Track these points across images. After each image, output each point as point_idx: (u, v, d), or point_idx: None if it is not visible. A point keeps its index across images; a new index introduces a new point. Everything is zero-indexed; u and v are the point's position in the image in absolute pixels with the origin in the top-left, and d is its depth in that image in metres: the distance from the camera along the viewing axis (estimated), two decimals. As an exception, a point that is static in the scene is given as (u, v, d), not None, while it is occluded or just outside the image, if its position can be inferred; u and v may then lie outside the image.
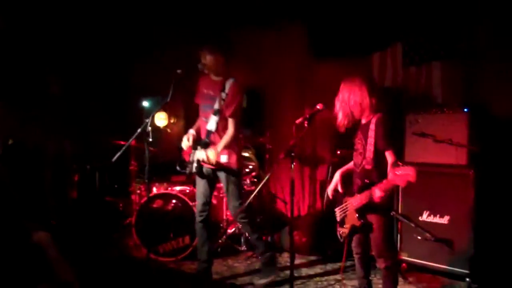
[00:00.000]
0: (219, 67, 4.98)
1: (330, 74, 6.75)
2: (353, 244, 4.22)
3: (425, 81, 6.13)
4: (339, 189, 4.30)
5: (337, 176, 4.33)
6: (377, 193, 3.74)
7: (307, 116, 4.13)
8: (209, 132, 4.99)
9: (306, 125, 4.12)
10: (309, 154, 7.17)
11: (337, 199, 4.35)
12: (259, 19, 7.19)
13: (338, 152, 6.13)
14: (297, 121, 4.17)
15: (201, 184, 5.14)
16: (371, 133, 3.95)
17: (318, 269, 5.65)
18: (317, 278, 5.32)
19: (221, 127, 4.98)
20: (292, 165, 4.09)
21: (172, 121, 7.48)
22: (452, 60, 5.88)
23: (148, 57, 8.14)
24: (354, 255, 4.26)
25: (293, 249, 4.35)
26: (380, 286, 4.30)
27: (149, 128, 4.65)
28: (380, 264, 4.01)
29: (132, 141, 4.93)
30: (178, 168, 5.14)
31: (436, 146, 4.95)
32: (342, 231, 4.20)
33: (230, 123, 4.94)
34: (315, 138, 7.06)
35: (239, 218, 5.10)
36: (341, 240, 4.25)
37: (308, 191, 7.24)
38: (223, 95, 4.92)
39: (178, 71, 4.68)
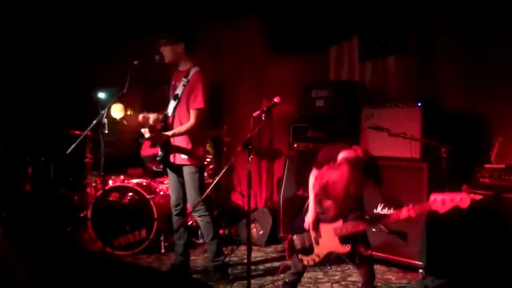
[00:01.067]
0: (178, 57, 4.88)
1: (287, 67, 6.81)
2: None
3: (380, 75, 6.23)
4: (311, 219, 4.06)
5: (312, 207, 4.07)
6: (405, 213, 3.54)
7: (265, 109, 4.13)
8: (165, 116, 4.87)
9: (263, 118, 4.12)
10: (266, 147, 7.20)
11: (295, 223, 4.26)
12: (217, 12, 7.16)
13: (295, 145, 6.16)
14: (255, 114, 4.17)
15: (171, 178, 5.09)
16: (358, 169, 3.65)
17: (275, 262, 5.67)
18: (275, 271, 5.34)
19: (179, 114, 4.85)
20: (250, 158, 4.10)
21: (128, 112, 7.39)
22: (406, 55, 5.98)
23: (104, 47, 8.03)
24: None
25: (250, 241, 4.36)
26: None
27: (105, 120, 4.60)
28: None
29: (87, 132, 4.86)
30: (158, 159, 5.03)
31: (390, 139, 5.04)
32: (308, 260, 4.08)
33: (192, 114, 4.79)
34: (272, 131, 7.10)
35: (196, 215, 5.03)
36: (297, 266, 4.22)
37: (265, 184, 7.28)
38: (185, 80, 4.81)
39: (135, 62, 4.62)
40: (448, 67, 5.66)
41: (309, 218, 4.07)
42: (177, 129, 4.80)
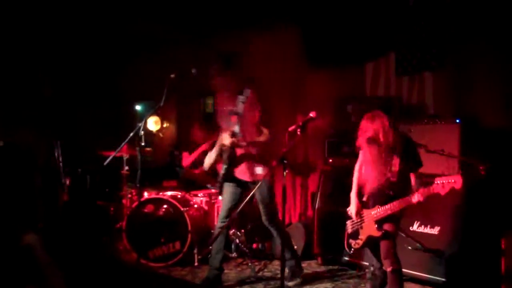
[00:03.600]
0: (232, 86, 5.00)
1: (323, 82, 6.78)
2: (368, 258, 4.62)
3: (417, 91, 6.17)
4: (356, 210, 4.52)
5: (355, 199, 4.54)
6: (417, 197, 4.05)
7: (300, 123, 4.16)
8: (234, 134, 4.90)
9: (298, 132, 4.14)
10: (301, 162, 7.17)
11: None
12: (254, 23, 7.19)
13: (330, 160, 6.13)
14: (290, 129, 4.21)
15: (229, 192, 5.12)
16: (398, 150, 4.22)
17: (308, 276, 5.63)
18: (308, 286, 5.30)
19: (245, 131, 4.94)
20: (284, 173, 4.10)
21: (164, 125, 7.47)
22: (444, 71, 5.91)
23: (142, 60, 8.14)
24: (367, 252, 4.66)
25: (284, 256, 4.34)
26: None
27: (142, 132, 4.65)
28: (387, 266, 4.19)
29: (124, 145, 4.92)
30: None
31: (427, 156, 4.96)
32: (355, 242, 4.47)
33: (264, 130, 4.99)
34: (307, 146, 7.07)
35: (268, 223, 5.12)
36: (350, 252, 4.58)
37: (299, 199, 7.24)
38: (242, 98, 4.88)
39: (172, 75, 4.67)
40: (487, 83, 5.56)
41: (352, 207, 4.53)
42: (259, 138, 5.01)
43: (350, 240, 4.53)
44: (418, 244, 5.04)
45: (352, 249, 4.52)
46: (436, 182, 3.92)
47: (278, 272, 5.58)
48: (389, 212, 4.17)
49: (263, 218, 5.14)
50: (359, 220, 4.45)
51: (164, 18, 7.32)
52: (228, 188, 5.11)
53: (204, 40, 7.70)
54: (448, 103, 5.85)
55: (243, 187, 5.08)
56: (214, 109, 5.21)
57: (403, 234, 5.13)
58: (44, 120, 7.68)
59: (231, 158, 4.97)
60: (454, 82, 5.82)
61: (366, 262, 5.33)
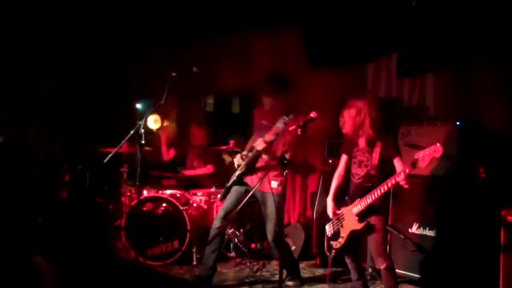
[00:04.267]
0: (278, 107, 5.03)
1: (324, 82, 6.78)
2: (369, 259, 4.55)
3: (418, 92, 6.16)
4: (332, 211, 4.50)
5: (331, 203, 4.54)
6: (402, 175, 3.97)
7: (301, 123, 4.15)
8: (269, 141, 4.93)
9: (299, 132, 4.14)
10: (300, 162, 7.16)
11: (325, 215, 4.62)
12: (254, 23, 7.18)
13: (330, 161, 6.12)
14: (290, 128, 4.20)
15: (237, 192, 5.09)
16: (378, 144, 4.27)
17: (306, 276, 5.63)
18: (306, 286, 5.30)
19: (276, 146, 4.96)
20: (284, 173, 4.10)
21: (165, 123, 7.46)
22: (445, 72, 5.90)
23: (142, 58, 8.14)
24: (347, 260, 4.50)
25: (282, 257, 4.34)
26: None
27: (142, 131, 4.64)
28: (380, 264, 4.17)
29: (124, 142, 4.91)
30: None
31: (427, 158, 4.95)
32: (336, 242, 4.40)
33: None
34: (307, 146, 7.06)
35: (273, 240, 5.04)
36: (330, 254, 4.49)
37: (298, 199, 7.22)
38: (286, 118, 4.90)
39: (173, 73, 4.66)
40: (488, 85, 5.55)
41: (328, 210, 4.53)
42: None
43: (331, 242, 4.48)
44: (416, 246, 5.04)
45: (333, 251, 4.44)
46: (415, 157, 3.89)
47: (277, 272, 5.59)
48: (369, 201, 4.12)
49: (268, 236, 5.08)
50: (337, 219, 4.44)
51: (166, 17, 7.31)
52: (234, 191, 5.10)
53: (205, 39, 7.70)
54: (448, 104, 5.84)
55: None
56: (253, 120, 5.23)
57: (401, 236, 5.14)
58: (44, 117, 7.69)
59: (250, 165, 4.98)
60: (455, 84, 5.81)
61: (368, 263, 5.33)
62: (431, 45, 5.96)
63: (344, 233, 4.35)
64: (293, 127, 4.22)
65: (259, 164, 5.01)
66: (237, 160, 5.11)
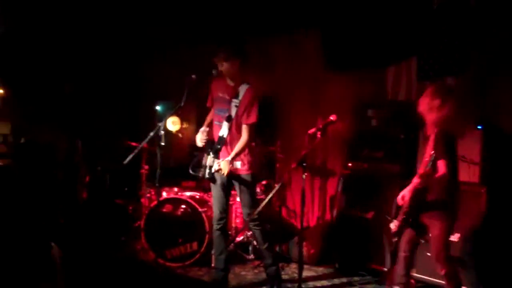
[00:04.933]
0: (234, 73, 4.93)
1: (343, 85, 6.75)
2: (401, 242, 4.30)
3: (439, 96, 6.09)
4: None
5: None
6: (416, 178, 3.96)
7: (320, 126, 4.14)
8: (221, 138, 4.91)
9: (319, 135, 4.13)
10: (320, 165, 7.14)
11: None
12: (274, 26, 7.18)
13: (350, 164, 6.10)
14: (310, 131, 4.19)
15: (216, 191, 5.12)
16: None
17: (325, 281, 5.61)
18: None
19: (234, 133, 4.92)
20: (304, 175, 4.09)
21: (184, 125, 7.48)
22: (466, 76, 5.84)
23: (163, 61, 8.17)
24: (400, 254, 4.34)
25: (301, 260, 4.33)
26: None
27: (162, 132, 4.67)
28: (439, 270, 4.12)
29: (144, 144, 4.94)
30: (190, 170, 5.08)
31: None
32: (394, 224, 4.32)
33: (244, 130, 4.86)
34: (326, 149, 7.04)
35: (252, 224, 5.05)
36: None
37: (317, 202, 7.19)
38: (236, 101, 4.85)
39: (193, 76, 4.69)
40: (509, 89, 5.49)
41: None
42: (235, 150, 4.84)
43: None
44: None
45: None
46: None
47: (295, 275, 5.59)
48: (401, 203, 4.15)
49: (243, 212, 5.14)
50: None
51: (186, 20, 7.34)
52: (215, 187, 5.11)
53: (225, 42, 7.71)
54: (470, 108, 5.78)
55: (228, 185, 5.09)
56: (209, 92, 5.15)
57: (422, 241, 5.09)
58: (65, 118, 7.76)
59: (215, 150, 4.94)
60: (476, 88, 5.75)
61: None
62: (452, 49, 5.90)
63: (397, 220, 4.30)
64: (313, 130, 4.21)
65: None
66: (200, 141, 5.02)
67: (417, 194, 4.11)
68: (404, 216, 4.18)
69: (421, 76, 6.24)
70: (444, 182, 4.01)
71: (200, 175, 4.98)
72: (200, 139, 4.97)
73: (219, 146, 4.89)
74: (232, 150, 4.88)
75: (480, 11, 5.61)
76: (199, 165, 5.02)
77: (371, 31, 6.40)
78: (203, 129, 5.04)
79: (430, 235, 4.14)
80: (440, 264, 4.10)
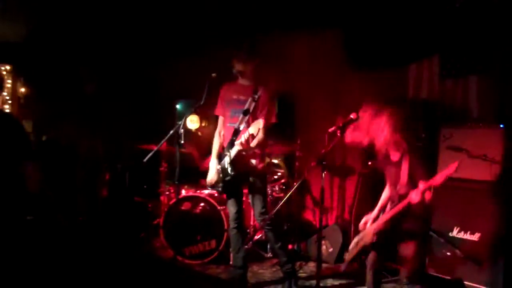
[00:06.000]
0: (252, 73, 4.93)
1: (364, 83, 6.71)
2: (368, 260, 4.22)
3: (461, 94, 6.03)
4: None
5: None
6: (414, 196, 3.71)
7: (340, 125, 4.11)
8: (236, 131, 4.78)
9: (338, 134, 4.10)
10: (339, 164, 7.11)
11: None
12: (295, 24, 7.16)
13: (370, 163, 6.06)
14: (330, 130, 4.16)
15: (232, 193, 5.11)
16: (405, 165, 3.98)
17: (344, 280, 5.58)
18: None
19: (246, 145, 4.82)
20: (323, 174, 4.07)
21: (203, 124, 7.51)
22: (489, 75, 5.78)
23: (183, 59, 8.20)
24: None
25: (320, 258, 4.30)
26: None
27: (181, 131, 4.68)
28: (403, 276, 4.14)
29: (163, 142, 4.95)
30: (208, 186, 5.12)
31: (470, 161, 4.88)
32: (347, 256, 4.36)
33: (262, 128, 4.81)
34: (346, 147, 7.00)
35: (264, 225, 5.02)
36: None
37: (336, 201, 7.18)
38: (255, 96, 4.80)
39: (213, 74, 4.68)
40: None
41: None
42: (254, 141, 4.79)
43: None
44: (457, 251, 4.94)
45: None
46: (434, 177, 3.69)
47: (314, 273, 5.58)
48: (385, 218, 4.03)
49: (255, 212, 5.10)
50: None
51: (206, 18, 7.34)
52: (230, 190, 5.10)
53: (242, 42, 7.71)
54: (492, 107, 5.71)
55: (241, 183, 5.07)
56: (219, 97, 5.13)
57: (442, 240, 5.04)
58: (85, 116, 7.82)
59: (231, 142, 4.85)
60: (499, 86, 5.68)
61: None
62: (475, 47, 5.84)
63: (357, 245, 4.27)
64: (333, 128, 4.18)
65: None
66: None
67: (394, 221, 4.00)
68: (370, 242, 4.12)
69: (443, 75, 6.19)
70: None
71: (220, 190, 5.01)
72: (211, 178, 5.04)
73: (234, 138, 4.84)
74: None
75: (503, 8, 5.54)
76: (215, 182, 5.04)
77: (393, 28, 6.34)
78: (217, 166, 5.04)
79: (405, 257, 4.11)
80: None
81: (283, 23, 7.17)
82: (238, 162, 4.82)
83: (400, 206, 3.85)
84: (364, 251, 4.21)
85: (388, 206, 4.17)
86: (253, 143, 4.77)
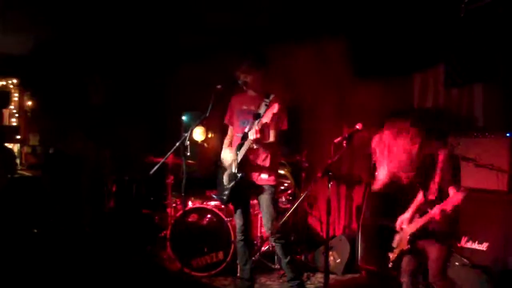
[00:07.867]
0: (259, 83, 4.93)
1: (369, 93, 6.70)
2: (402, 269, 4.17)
3: (467, 103, 6.02)
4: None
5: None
6: (434, 211, 3.75)
7: (346, 135, 4.11)
8: (246, 135, 4.75)
9: (344, 144, 4.10)
10: (346, 174, 7.09)
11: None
12: (300, 34, 7.17)
13: (377, 173, 6.04)
14: (336, 140, 4.16)
15: (239, 207, 5.11)
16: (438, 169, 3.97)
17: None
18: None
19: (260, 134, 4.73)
20: (329, 185, 4.06)
21: (209, 135, 7.51)
22: (494, 83, 5.76)
23: (188, 71, 8.23)
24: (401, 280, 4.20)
25: (327, 269, 4.29)
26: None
27: (187, 142, 4.69)
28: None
29: (170, 154, 4.96)
30: (214, 195, 5.11)
31: (477, 170, 4.86)
32: (392, 255, 4.25)
33: (272, 134, 4.84)
34: (352, 158, 6.99)
35: (275, 238, 4.96)
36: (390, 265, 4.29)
37: (344, 211, 7.15)
38: (267, 101, 4.77)
39: (218, 86, 4.69)
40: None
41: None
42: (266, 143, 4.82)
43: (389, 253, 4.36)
44: (465, 260, 4.92)
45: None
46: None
47: (321, 284, 5.55)
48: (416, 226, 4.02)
49: (265, 226, 5.06)
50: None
51: (211, 29, 7.37)
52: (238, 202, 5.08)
53: (247, 53, 7.73)
54: (498, 116, 5.70)
55: (249, 194, 5.06)
56: (229, 109, 5.15)
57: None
58: (92, 128, 7.86)
59: (243, 161, 4.84)
60: (505, 95, 5.67)
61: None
62: (480, 56, 5.83)
63: (397, 249, 4.22)
64: (339, 138, 4.18)
65: (251, 157, 4.90)
66: (226, 155, 5.02)
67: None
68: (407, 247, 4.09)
69: (448, 83, 6.17)
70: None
71: (225, 199, 4.99)
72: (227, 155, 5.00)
73: (243, 142, 4.82)
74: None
75: (508, 17, 5.54)
76: (221, 191, 5.03)
77: (398, 37, 6.35)
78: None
79: (429, 258, 4.00)
80: (436, 285, 3.96)
81: (289, 32, 7.19)
82: (246, 164, 4.82)
83: (428, 216, 3.88)
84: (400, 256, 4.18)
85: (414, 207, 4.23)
86: (265, 137, 4.76)
